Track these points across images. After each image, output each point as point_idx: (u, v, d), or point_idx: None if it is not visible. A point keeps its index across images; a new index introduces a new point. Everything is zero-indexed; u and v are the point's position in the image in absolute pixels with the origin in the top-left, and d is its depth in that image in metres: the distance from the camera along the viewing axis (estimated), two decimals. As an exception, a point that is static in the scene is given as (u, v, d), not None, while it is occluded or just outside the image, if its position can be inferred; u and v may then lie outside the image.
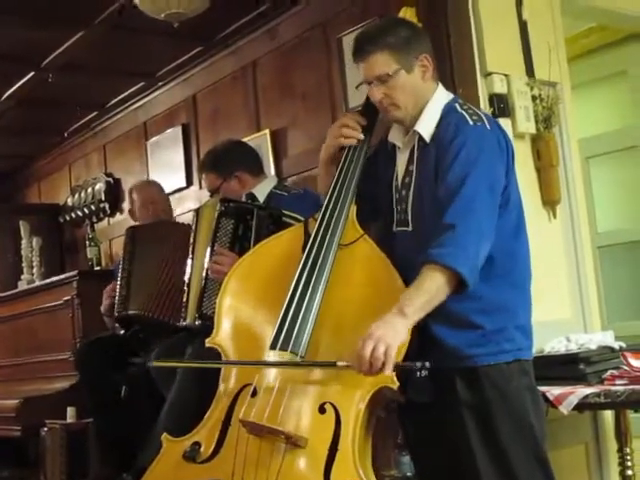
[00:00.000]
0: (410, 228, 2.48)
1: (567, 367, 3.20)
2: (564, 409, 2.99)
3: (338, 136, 2.57)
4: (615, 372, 3.16)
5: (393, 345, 2.16)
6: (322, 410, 2.27)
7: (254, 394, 2.35)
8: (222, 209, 3.36)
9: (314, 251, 2.42)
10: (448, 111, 2.48)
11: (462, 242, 2.26)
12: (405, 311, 2.21)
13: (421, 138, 2.48)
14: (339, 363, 2.23)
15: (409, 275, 2.32)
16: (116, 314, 4.02)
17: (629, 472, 3.37)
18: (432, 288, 2.24)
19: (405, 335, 2.21)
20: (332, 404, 2.27)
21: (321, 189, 2.65)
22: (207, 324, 3.20)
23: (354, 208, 2.52)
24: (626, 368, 3.15)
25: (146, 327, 3.97)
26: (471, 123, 2.41)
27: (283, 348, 2.32)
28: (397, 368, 2.20)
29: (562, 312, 3.68)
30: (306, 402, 2.30)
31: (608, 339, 3.39)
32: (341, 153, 2.59)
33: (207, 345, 2.55)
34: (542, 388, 2.75)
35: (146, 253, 4.04)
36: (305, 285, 2.37)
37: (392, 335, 2.17)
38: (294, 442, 2.22)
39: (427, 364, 2.18)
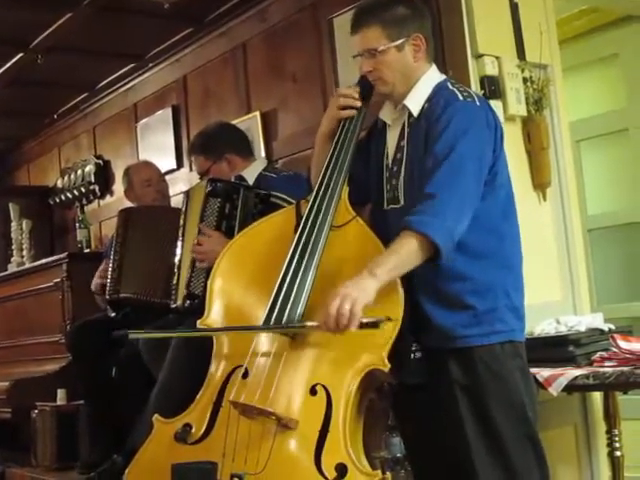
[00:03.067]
0: (401, 204, 2.48)
1: (557, 349, 3.21)
2: (553, 391, 3.01)
3: (338, 106, 2.57)
4: (604, 354, 3.17)
5: (359, 301, 2.16)
6: (313, 392, 2.28)
7: (245, 375, 2.35)
8: (210, 189, 3.38)
9: (306, 232, 2.41)
10: (439, 88, 2.49)
11: (441, 211, 2.27)
12: (374, 271, 2.21)
13: (410, 114, 2.49)
14: (308, 323, 2.24)
15: None
16: (107, 297, 4.02)
17: (617, 453, 3.40)
18: (404, 252, 2.25)
19: (373, 295, 2.20)
20: (323, 386, 2.27)
21: (314, 166, 2.64)
22: (195, 303, 3.23)
23: (346, 189, 2.52)
24: (615, 350, 3.17)
25: (137, 309, 3.97)
26: (461, 98, 2.43)
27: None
28: (362, 325, 2.19)
29: (552, 294, 3.70)
30: (297, 383, 2.30)
31: (597, 321, 3.40)
32: (337, 128, 2.58)
33: (198, 326, 2.55)
34: (532, 370, 2.75)
35: (138, 236, 4.04)
36: (297, 266, 2.37)
37: (358, 293, 2.17)
38: (285, 423, 2.23)
39: (391, 317, 2.20)
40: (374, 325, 2.21)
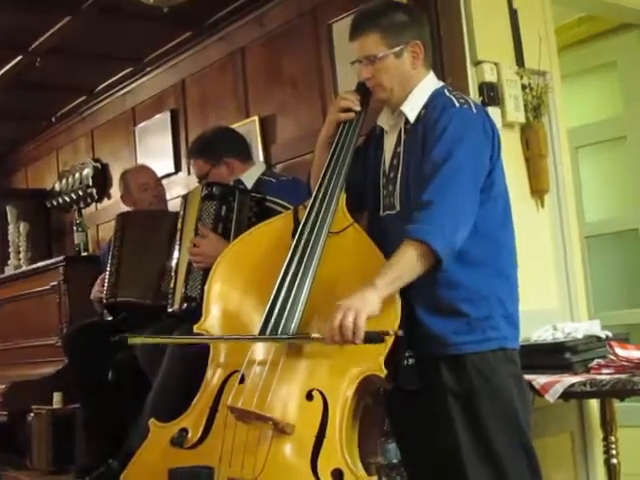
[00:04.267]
0: (397, 210, 2.49)
1: (553, 356, 3.21)
2: (550, 398, 3.00)
3: (339, 108, 2.58)
4: (601, 361, 3.17)
5: (362, 313, 2.17)
6: (310, 397, 2.28)
7: (242, 381, 2.35)
8: (206, 192, 3.40)
9: (304, 238, 2.42)
10: (436, 95, 2.50)
11: (439, 218, 2.27)
12: (375, 282, 2.22)
13: (407, 120, 2.49)
14: (313, 335, 2.24)
15: None
16: (104, 301, 4.02)
17: (614, 461, 3.39)
18: (405, 262, 2.26)
19: (375, 306, 2.21)
20: (320, 391, 2.27)
21: (315, 172, 2.65)
22: (192, 306, 3.23)
23: (344, 196, 2.52)
24: (612, 357, 3.17)
25: (134, 314, 3.97)
26: (457, 105, 2.44)
27: (272, 334, 2.33)
28: (367, 337, 2.19)
29: (549, 301, 3.70)
30: (294, 389, 2.30)
31: (595, 328, 3.40)
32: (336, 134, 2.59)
33: (195, 331, 2.55)
34: (528, 377, 2.76)
35: (136, 240, 4.04)
36: (294, 272, 2.37)
37: (360, 304, 2.18)
38: (281, 428, 2.22)
39: (400, 332, 2.21)
40: (379, 339, 2.21)
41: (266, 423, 2.24)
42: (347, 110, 2.57)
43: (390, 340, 2.25)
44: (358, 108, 2.56)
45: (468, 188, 2.35)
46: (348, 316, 2.16)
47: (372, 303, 2.21)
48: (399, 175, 2.50)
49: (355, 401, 2.31)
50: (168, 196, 4.59)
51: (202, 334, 2.54)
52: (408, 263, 2.26)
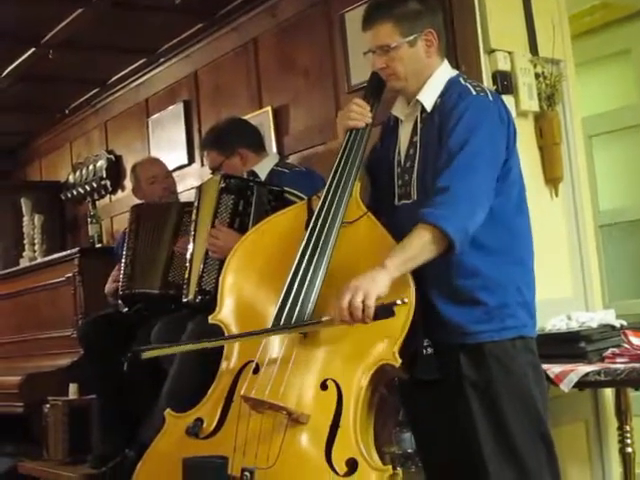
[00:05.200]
0: (414, 199, 2.48)
1: (568, 345, 3.20)
2: (565, 387, 3.00)
3: (347, 119, 2.57)
4: (616, 350, 3.16)
5: (371, 293, 2.18)
6: (324, 386, 2.29)
7: (256, 371, 2.36)
8: (224, 185, 3.37)
9: (317, 228, 2.42)
10: (452, 83, 2.50)
11: (454, 203, 2.27)
12: (386, 264, 2.23)
13: (423, 109, 2.49)
14: (323, 319, 2.24)
15: None
16: (120, 292, 4.03)
17: (629, 450, 3.39)
18: (417, 245, 2.26)
19: (385, 286, 2.21)
20: (334, 380, 2.28)
21: None
22: (207, 299, 3.23)
23: (358, 186, 2.53)
24: (627, 346, 3.16)
25: (149, 305, 3.98)
26: (474, 93, 2.43)
27: (285, 324, 2.33)
28: (377, 314, 2.19)
29: (564, 290, 3.69)
30: (308, 378, 2.31)
31: (609, 317, 3.39)
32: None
33: (210, 322, 2.56)
34: (543, 366, 2.75)
35: (150, 231, 4.05)
36: (308, 262, 2.37)
37: (369, 284, 2.19)
38: (296, 418, 2.23)
39: (405, 300, 2.21)
40: (389, 312, 2.20)
41: (280, 412, 2.24)
42: (357, 119, 2.56)
43: (406, 323, 2.26)
44: (369, 120, 2.55)
45: (484, 175, 2.35)
46: (357, 296, 2.17)
47: (380, 283, 2.21)
48: (416, 164, 2.49)
49: (370, 391, 2.32)
50: (181, 187, 4.60)
51: (217, 325, 2.54)
52: (420, 246, 2.26)
